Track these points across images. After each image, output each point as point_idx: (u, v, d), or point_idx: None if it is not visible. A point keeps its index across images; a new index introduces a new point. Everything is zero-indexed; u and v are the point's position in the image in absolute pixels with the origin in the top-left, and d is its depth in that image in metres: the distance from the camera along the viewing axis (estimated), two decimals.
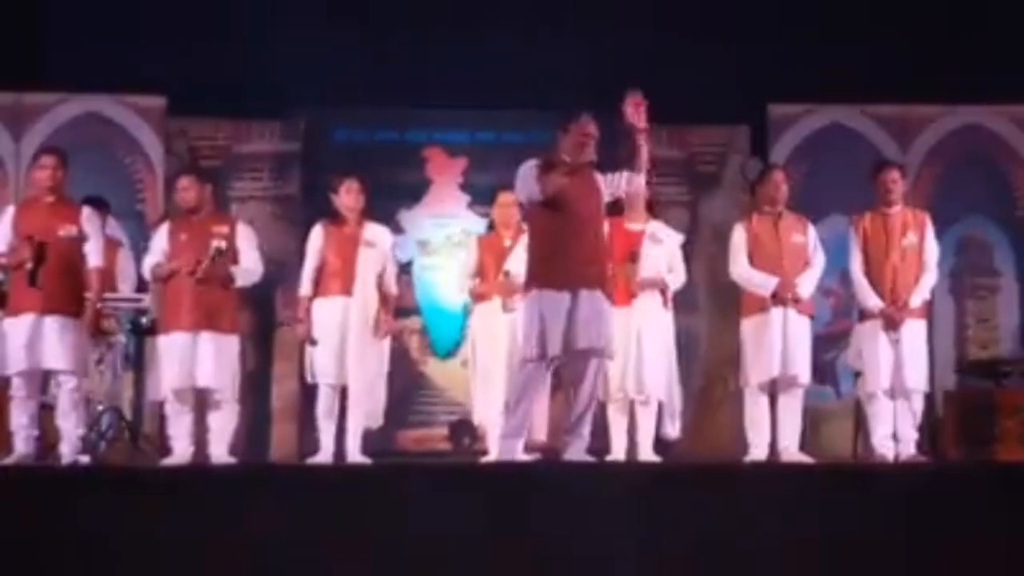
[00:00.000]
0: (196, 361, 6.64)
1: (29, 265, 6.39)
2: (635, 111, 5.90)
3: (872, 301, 6.77)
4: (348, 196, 6.94)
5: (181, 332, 6.66)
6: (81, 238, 6.58)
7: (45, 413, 6.66)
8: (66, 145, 7.33)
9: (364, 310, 6.86)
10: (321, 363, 6.86)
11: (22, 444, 6.46)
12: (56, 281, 6.46)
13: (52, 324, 6.44)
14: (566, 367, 6.04)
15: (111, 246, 7.64)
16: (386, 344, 7.05)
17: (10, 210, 6.70)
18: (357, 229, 6.95)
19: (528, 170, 5.90)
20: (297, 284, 7.05)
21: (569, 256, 5.79)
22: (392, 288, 7.06)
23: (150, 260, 6.84)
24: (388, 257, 7.06)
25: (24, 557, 4.27)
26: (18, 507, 4.41)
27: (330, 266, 6.89)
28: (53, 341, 6.43)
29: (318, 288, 6.90)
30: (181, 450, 6.69)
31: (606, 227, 6.12)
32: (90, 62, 9.01)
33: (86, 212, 6.68)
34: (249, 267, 6.87)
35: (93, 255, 6.60)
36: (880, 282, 6.78)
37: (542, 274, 5.86)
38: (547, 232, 5.89)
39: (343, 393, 6.87)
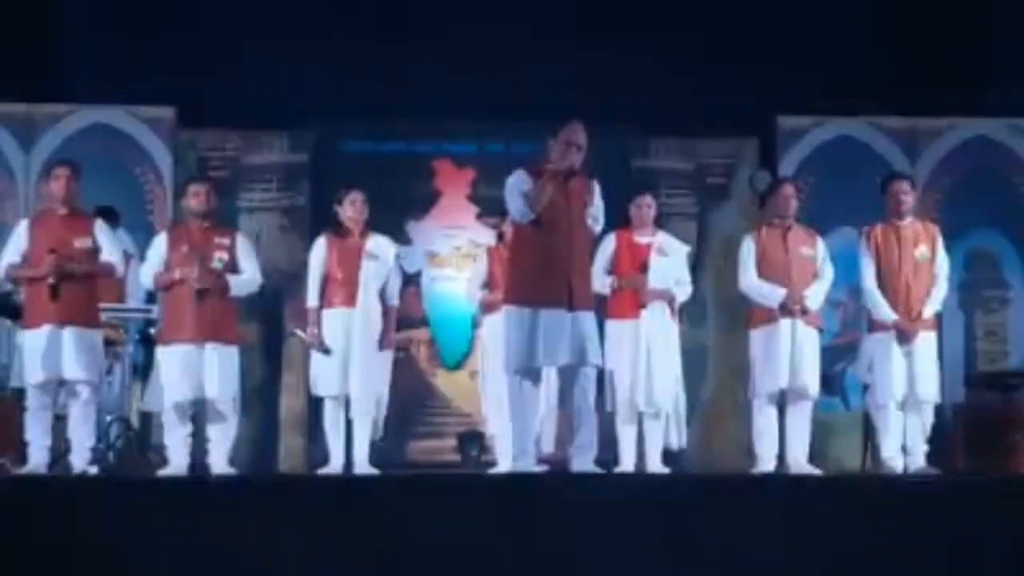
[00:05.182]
0: (203, 372, 6.63)
1: (51, 280, 6.44)
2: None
3: (885, 313, 6.75)
4: (352, 208, 6.94)
5: (184, 343, 6.63)
6: (95, 249, 6.62)
7: (55, 423, 6.68)
8: (76, 157, 7.34)
9: (367, 322, 6.85)
10: (324, 375, 6.86)
11: (36, 456, 6.49)
12: (74, 293, 6.51)
13: (70, 335, 6.48)
14: (560, 380, 6.04)
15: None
16: (389, 355, 7.05)
17: (24, 223, 6.75)
18: (360, 241, 6.94)
19: (516, 184, 5.85)
20: (304, 296, 7.05)
21: (548, 271, 5.73)
22: (394, 300, 7.04)
23: (149, 268, 6.78)
24: (391, 269, 7.05)
25: (32, 565, 4.28)
26: (31, 516, 4.42)
27: (333, 278, 6.89)
28: (71, 351, 6.47)
29: (322, 300, 6.91)
30: (178, 461, 6.66)
31: (585, 236, 5.97)
32: (100, 73, 9.03)
33: (99, 223, 6.74)
34: (247, 278, 6.84)
35: (113, 265, 6.69)
36: (892, 294, 6.76)
37: (521, 289, 5.83)
38: (526, 246, 5.86)
39: (347, 404, 6.87)
